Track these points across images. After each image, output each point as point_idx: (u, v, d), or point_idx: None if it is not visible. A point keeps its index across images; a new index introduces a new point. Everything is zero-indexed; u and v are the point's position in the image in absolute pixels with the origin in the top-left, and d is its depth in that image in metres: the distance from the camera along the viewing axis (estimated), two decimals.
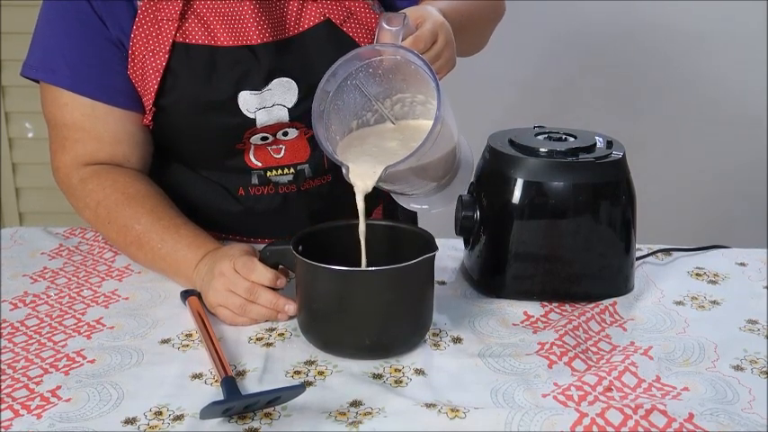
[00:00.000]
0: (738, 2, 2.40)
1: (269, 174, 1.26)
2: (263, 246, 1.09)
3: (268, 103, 1.20)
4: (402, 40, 1.00)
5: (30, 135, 2.62)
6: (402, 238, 1.09)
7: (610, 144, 1.16)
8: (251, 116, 1.20)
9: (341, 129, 1.06)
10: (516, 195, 1.11)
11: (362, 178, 1.00)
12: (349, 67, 1.01)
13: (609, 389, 0.94)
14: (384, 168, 0.97)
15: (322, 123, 1.02)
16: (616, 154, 1.13)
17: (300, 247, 1.03)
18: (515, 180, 1.11)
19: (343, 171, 1.01)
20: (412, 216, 1.47)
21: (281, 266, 1.08)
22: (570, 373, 0.98)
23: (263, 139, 1.23)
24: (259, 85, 1.19)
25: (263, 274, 1.06)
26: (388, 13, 1.01)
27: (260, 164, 1.26)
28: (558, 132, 1.19)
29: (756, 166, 2.56)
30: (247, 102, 1.20)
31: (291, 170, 1.26)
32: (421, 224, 1.44)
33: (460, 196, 1.18)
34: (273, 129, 1.22)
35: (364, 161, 1.01)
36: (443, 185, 1.11)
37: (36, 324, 1.09)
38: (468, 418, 0.88)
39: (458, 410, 0.89)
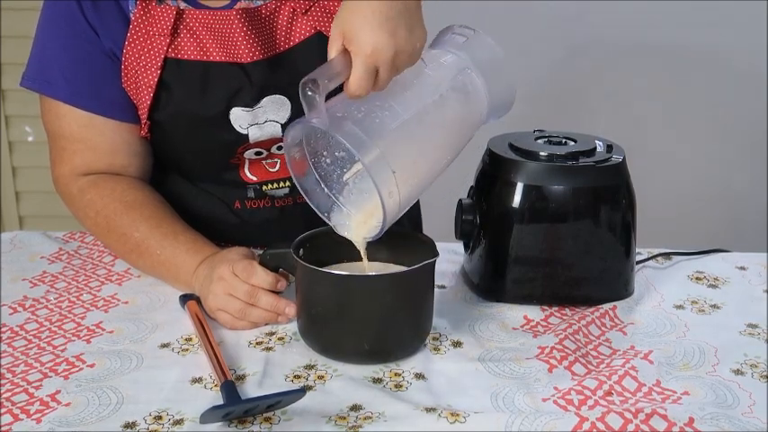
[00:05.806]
0: (739, 5, 2.40)
1: (265, 188, 1.25)
2: (261, 251, 1.09)
3: (260, 119, 1.19)
4: (333, 88, 0.89)
5: (30, 139, 2.62)
6: (403, 243, 1.09)
7: (610, 148, 1.16)
8: (243, 132, 1.19)
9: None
10: (516, 199, 1.11)
11: (354, 232, 1.01)
12: (298, 133, 0.98)
13: (609, 393, 0.94)
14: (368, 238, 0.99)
15: (312, 178, 1.01)
16: (616, 158, 1.13)
17: (301, 251, 1.03)
18: (515, 184, 1.11)
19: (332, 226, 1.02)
20: (415, 221, 1.47)
21: (281, 270, 1.08)
22: (570, 377, 0.97)
23: (258, 153, 1.22)
24: (251, 102, 1.18)
25: (263, 277, 1.06)
26: (306, 78, 0.88)
27: (255, 178, 1.25)
28: (557, 136, 1.19)
29: (756, 170, 2.57)
30: (239, 118, 1.18)
31: (287, 183, 1.25)
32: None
33: (460, 200, 1.17)
34: (267, 144, 1.21)
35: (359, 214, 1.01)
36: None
37: (35, 328, 1.09)
38: (468, 423, 0.88)
39: (458, 415, 0.89)
